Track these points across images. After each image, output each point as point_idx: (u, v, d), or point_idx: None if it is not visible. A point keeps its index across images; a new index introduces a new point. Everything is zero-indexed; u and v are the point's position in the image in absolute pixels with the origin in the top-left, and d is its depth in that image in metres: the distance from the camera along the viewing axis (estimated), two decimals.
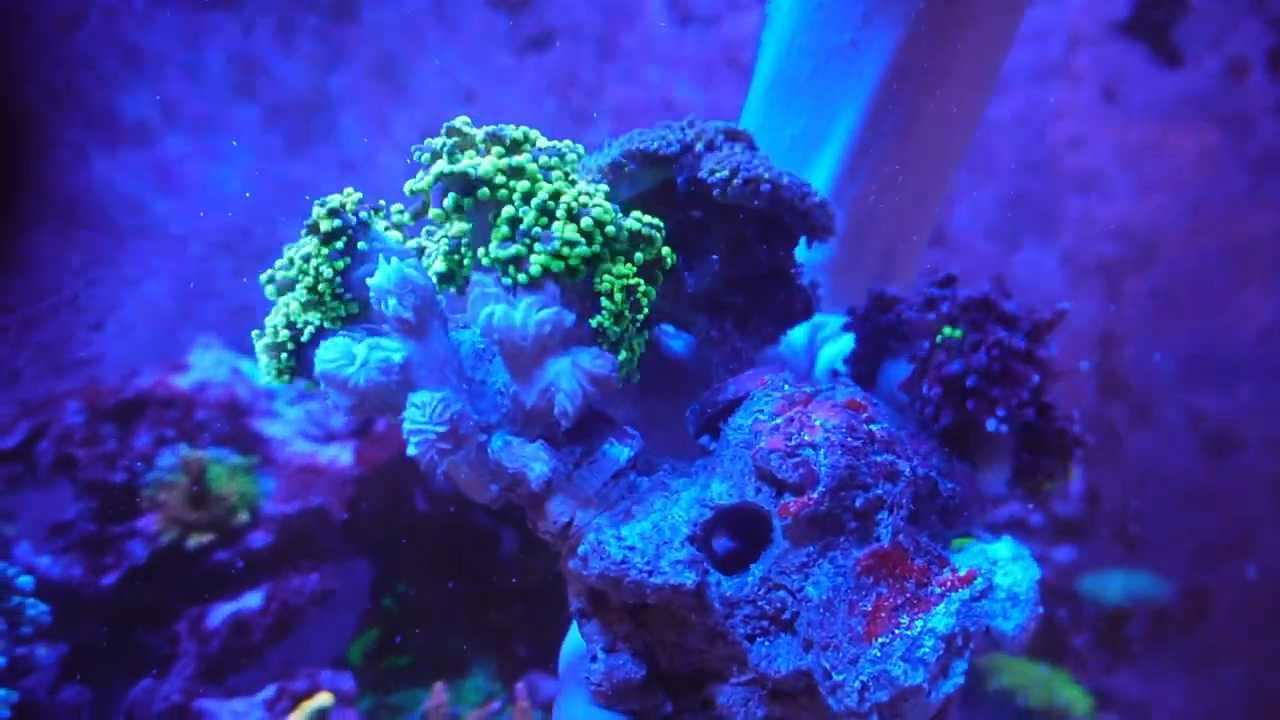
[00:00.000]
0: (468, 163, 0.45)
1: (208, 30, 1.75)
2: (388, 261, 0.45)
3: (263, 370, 0.48)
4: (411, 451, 0.45)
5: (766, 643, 0.46)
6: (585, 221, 0.44)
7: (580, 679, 0.48)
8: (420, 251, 0.50)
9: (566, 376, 0.45)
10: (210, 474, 1.19)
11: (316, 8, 1.79)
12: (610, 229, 0.45)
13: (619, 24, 1.81)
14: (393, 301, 0.44)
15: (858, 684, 0.44)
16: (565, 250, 0.44)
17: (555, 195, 0.45)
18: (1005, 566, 0.49)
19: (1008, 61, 0.69)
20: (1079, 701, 1.48)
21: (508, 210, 0.45)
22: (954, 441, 0.55)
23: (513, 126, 0.47)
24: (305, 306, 0.45)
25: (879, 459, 0.47)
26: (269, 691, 1.16)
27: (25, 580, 0.96)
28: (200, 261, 1.76)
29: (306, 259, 0.45)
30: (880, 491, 0.46)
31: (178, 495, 1.19)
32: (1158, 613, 1.63)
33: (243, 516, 1.20)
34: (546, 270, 0.44)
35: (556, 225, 0.44)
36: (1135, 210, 1.73)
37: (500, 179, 0.45)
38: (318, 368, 0.45)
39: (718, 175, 0.53)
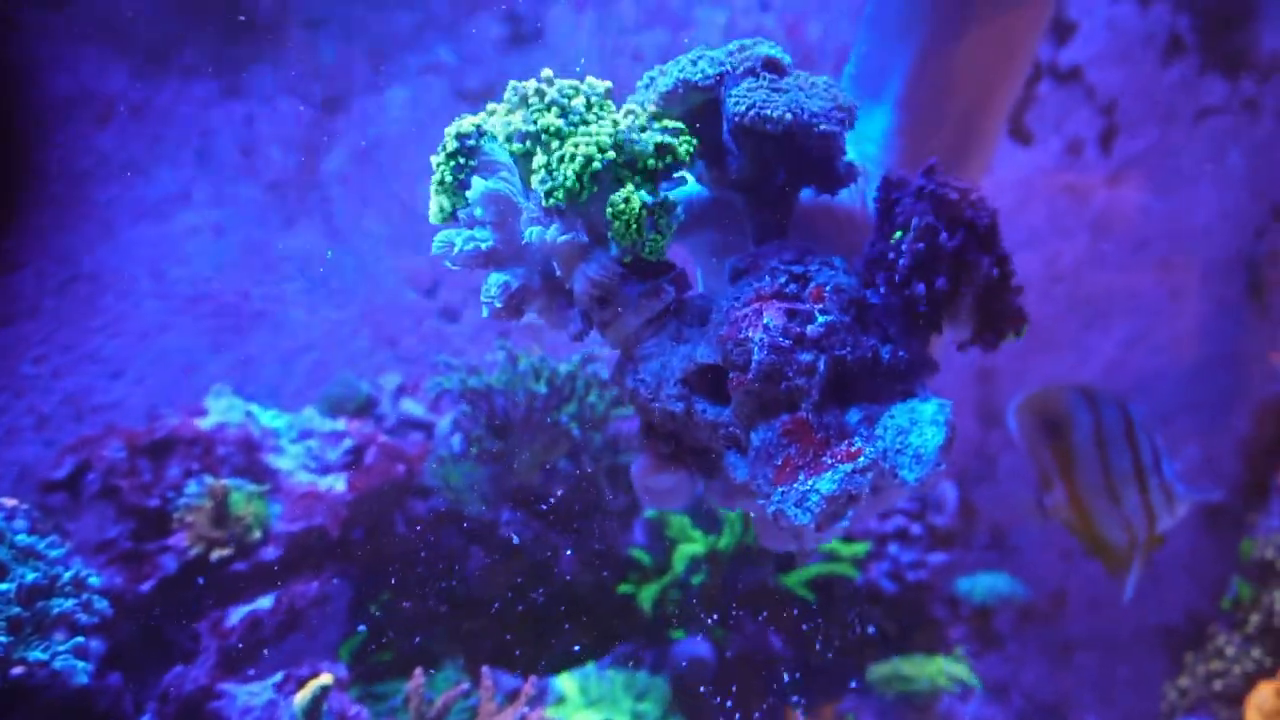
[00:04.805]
0: (513, 118, 0.62)
1: (217, 121, 2.05)
2: (481, 178, 0.61)
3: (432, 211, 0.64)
4: (484, 314, 0.62)
5: (733, 454, 0.63)
6: (577, 163, 0.59)
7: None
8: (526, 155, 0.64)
9: (578, 280, 0.62)
10: (230, 499, 1.46)
11: (310, 100, 2.10)
12: (595, 165, 0.59)
13: None
14: (479, 210, 0.62)
15: (773, 510, 0.59)
16: (567, 185, 0.59)
17: (568, 146, 0.59)
18: (922, 428, 0.56)
19: None
20: (956, 669, 1.76)
21: (538, 160, 0.61)
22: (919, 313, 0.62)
23: (564, 88, 0.62)
24: (436, 193, 0.63)
25: (801, 358, 0.58)
26: (278, 676, 1.42)
27: (95, 580, 1.22)
28: (208, 319, 2.04)
29: (438, 165, 0.63)
30: (798, 383, 0.59)
31: (203, 517, 1.45)
32: (1023, 609, 1.94)
33: (256, 534, 1.47)
34: (560, 199, 0.60)
35: (560, 168, 0.59)
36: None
37: (542, 127, 0.61)
38: (433, 249, 0.63)
39: (735, 109, 0.62)
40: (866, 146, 0.72)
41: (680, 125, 0.62)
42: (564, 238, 0.60)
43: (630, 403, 0.67)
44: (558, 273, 0.63)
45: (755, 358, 0.59)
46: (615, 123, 0.61)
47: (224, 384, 1.74)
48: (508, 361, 1.64)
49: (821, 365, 0.59)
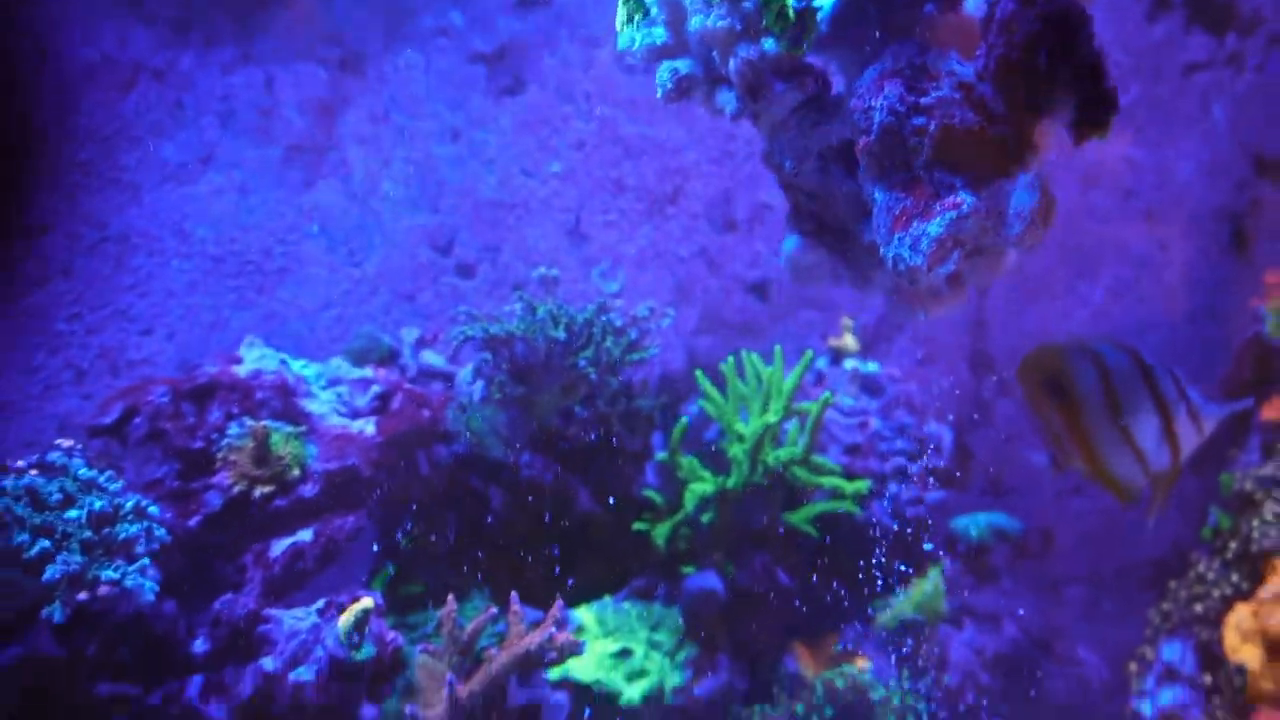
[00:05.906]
0: None
1: (237, 86, 2.11)
2: None
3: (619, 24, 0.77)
4: (658, 95, 0.76)
5: (864, 222, 0.73)
6: None
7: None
8: None
9: (734, 61, 0.73)
10: (270, 440, 1.54)
11: (327, 63, 2.16)
12: None
13: (578, 73, 2.19)
14: (654, 10, 0.76)
15: (891, 255, 0.68)
16: None
17: None
18: (1020, 192, 0.67)
19: None
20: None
21: None
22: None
23: None
24: (623, 2, 0.76)
25: (915, 121, 0.68)
26: (320, 603, 1.51)
27: (154, 509, 1.31)
28: (233, 276, 2.11)
29: None
30: (913, 143, 0.69)
31: (245, 457, 1.54)
32: (1015, 544, 2.05)
33: (295, 472, 1.56)
34: None
35: None
36: None
37: None
38: (618, 45, 0.77)
39: None
40: None
41: None
42: (723, 22, 0.72)
43: (778, 178, 0.78)
44: (716, 62, 0.75)
45: (876, 120, 0.69)
46: None
47: (254, 336, 1.82)
48: (527, 310, 1.73)
49: (933, 127, 0.68)
